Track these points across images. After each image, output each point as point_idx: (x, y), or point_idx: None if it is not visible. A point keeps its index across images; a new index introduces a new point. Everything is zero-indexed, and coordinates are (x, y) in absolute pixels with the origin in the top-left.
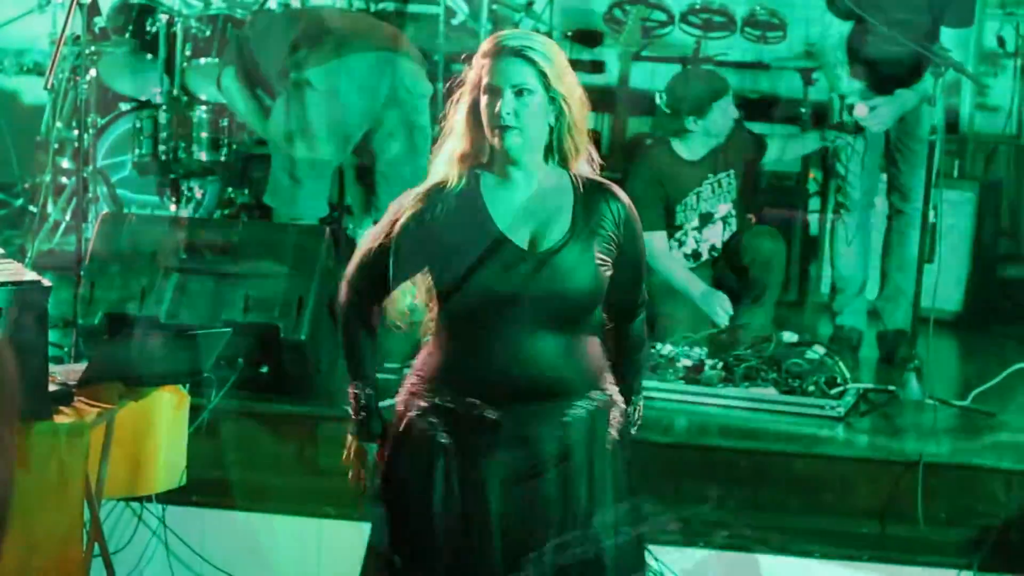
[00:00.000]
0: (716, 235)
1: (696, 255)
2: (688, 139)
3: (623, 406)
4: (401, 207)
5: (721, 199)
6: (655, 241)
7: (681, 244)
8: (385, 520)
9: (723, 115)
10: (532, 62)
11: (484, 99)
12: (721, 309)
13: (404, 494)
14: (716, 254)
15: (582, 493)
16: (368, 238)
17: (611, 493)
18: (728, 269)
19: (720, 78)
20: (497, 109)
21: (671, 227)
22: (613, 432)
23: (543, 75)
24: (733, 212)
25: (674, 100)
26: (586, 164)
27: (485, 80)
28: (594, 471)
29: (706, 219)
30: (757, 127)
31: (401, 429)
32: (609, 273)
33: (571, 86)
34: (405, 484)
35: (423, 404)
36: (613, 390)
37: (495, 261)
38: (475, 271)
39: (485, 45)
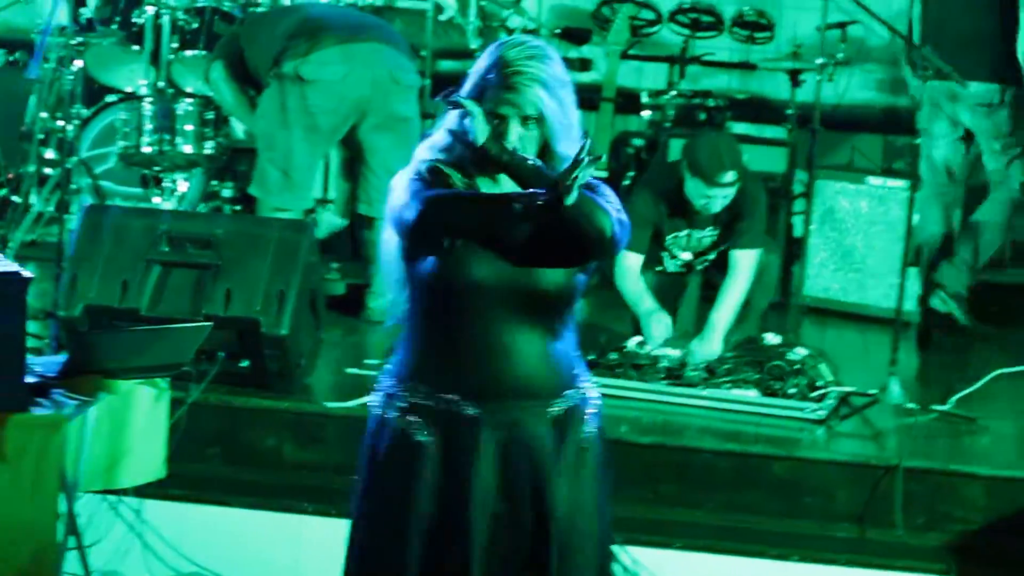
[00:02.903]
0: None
1: (688, 265)
2: (695, 196)
3: (598, 405)
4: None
5: (718, 243)
6: (627, 258)
7: (673, 257)
8: (366, 522)
9: (700, 196)
10: (541, 91)
11: (486, 118)
12: (658, 333)
13: (385, 496)
14: (707, 264)
15: (563, 492)
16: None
17: (589, 493)
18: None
19: (719, 167)
20: (503, 137)
21: (660, 246)
22: (590, 430)
23: (548, 100)
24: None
25: (691, 164)
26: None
27: (491, 105)
28: (573, 470)
29: (700, 255)
30: (743, 128)
31: (379, 432)
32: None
33: (568, 100)
34: (386, 486)
35: (401, 404)
36: (588, 388)
37: (472, 254)
38: (453, 263)
39: (494, 68)
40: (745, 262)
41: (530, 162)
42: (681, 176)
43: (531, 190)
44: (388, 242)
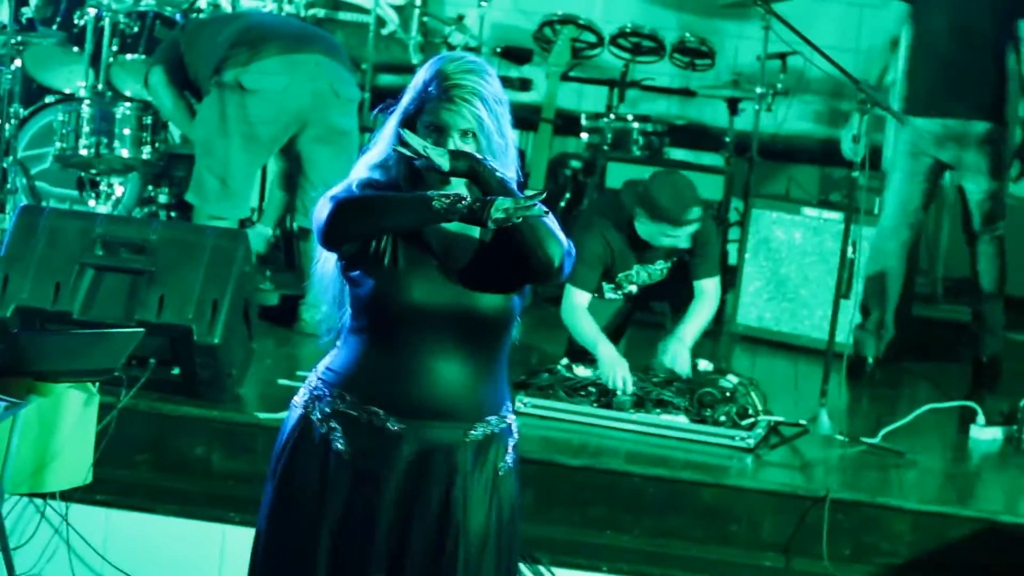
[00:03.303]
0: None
1: (628, 295)
2: (655, 236)
3: (516, 436)
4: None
5: (657, 278)
6: (576, 297)
7: (615, 291)
8: (275, 523)
9: (664, 236)
10: (480, 105)
11: (425, 132)
12: (621, 384)
13: (296, 500)
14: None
15: (475, 516)
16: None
17: (502, 520)
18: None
19: (683, 208)
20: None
21: (608, 280)
22: (507, 461)
23: (486, 116)
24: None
25: (652, 209)
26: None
27: (430, 118)
28: (487, 495)
29: (648, 288)
30: (681, 154)
31: (299, 432)
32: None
33: (505, 117)
34: (297, 490)
35: (325, 409)
36: (512, 419)
37: (414, 273)
38: (401, 285)
39: (434, 80)
40: (711, 289)
41: (498, 174)
42: (630, 215)
43: (456, 192)
44: (324, 258)
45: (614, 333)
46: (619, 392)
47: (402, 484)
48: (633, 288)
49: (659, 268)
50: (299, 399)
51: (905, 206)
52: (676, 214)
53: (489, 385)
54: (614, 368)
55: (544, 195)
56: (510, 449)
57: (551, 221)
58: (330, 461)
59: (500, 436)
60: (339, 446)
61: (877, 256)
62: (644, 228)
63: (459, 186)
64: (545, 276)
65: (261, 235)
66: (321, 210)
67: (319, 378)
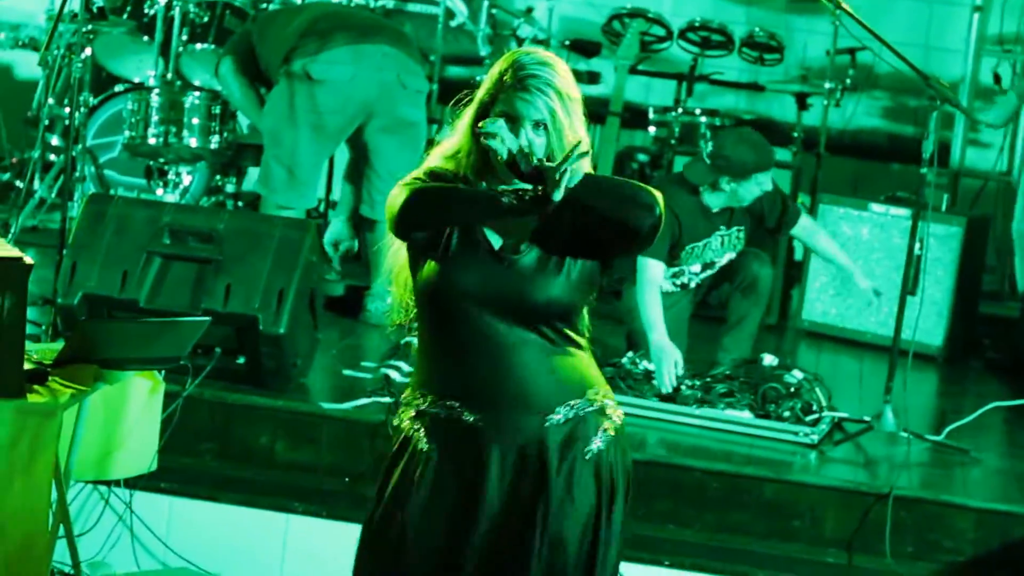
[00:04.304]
0: (710, 271)
1: (684, 286)
2: (718, 194)
3: (617, 420)
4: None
5: (727, 251)
6: (650, 268)
7: (675, 277)
8: (374, 530)
9: (758, 186)
10: (554, 97)
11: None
12: (668, 372)
13: (392, 504)
14: (700, 282)
15: (557, 504)
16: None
17: (586, 506)
18: (714, 292)
19: (769, 151)
20: (480, 131)
21: (671, 265)
22: (597, 444)
23: (559, 109)
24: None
25: (719, 155)
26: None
27: (504, 107)
28: (571, 483)
29: (707, 267)
30: None
31: (394, 440)
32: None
33: (577, 113)
34: (393, 494)
35: (411, 412)
36: (605, 400)
37: (477, 265)
38: (457, 273)
39: (509, 70)
40: (810, 223)
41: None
42: (697, 187)
43: (519, 186)
44: (395, 248)
45: (675, 337)
46: (663, 383)
47: (490, 475)
48: (694, 272)
49: (734, 234)
50: (397, 409)
51: None
52: (766, 156)
53: (563, 370)
54: (664, 357)
55: (582, 145)
56: (603, 430)
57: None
58: (419, 462)
59: (587, 419)
60: (423, 446)
61: None
62: (710, 193)
63: None
64: (644, 230)
65: (339, 227)
66: (395, 198)
67: (407, 384)
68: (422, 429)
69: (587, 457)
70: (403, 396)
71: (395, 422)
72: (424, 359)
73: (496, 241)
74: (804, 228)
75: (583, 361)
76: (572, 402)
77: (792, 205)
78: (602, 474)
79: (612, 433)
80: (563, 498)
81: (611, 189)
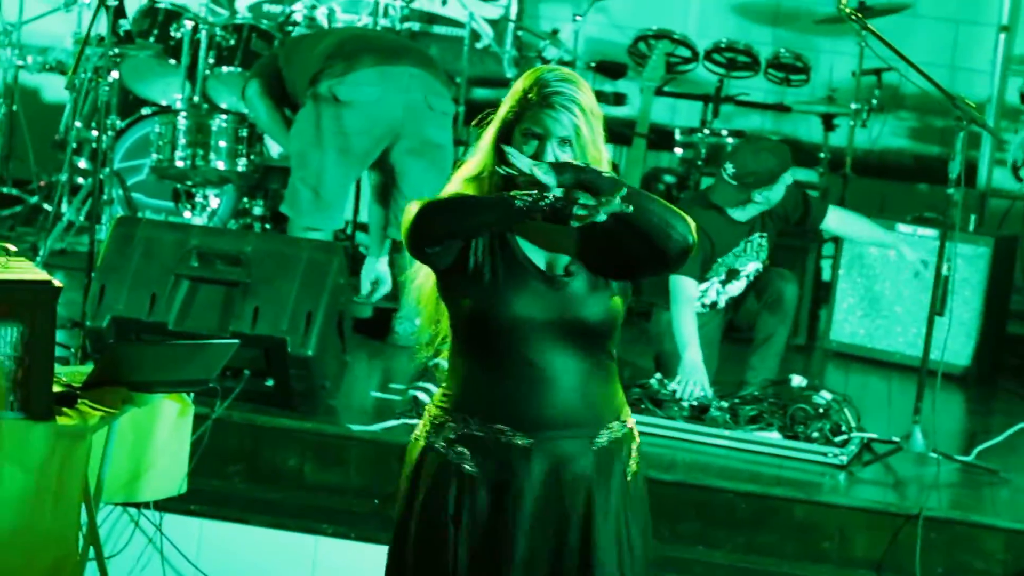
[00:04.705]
0: (738, 289)
1: (713, 305)
2: (751, 207)
3: (639, 440)
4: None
5: (752, 258)
6: (685, 286)
7: (702, 295)
8: (412, 552)
9: (784, 187)
10: (579, 114)
11: (523, 139)
12: (694, 387)
13: (432, 527)
14: (730, 301)
15: (608, 526)
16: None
17: (634, 527)
18: (741, 310)
19: (786, 149)
20: (539, 157)
21: (701, 280)
22: (632, 465)
23: (584, 125)
24: (760, 269)
25: (744, 173)
26: None
27: (530, 124)
28: (619, 503)
29: (733, 274)
30: None
31: (425, 465)
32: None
33: (599, 130)
34: (432, 517)
35: (450, 435)
36: (632, 423)
37: (518, 286)
38: (509, 298)
39: (533, 87)
40: (838, 214)
41: (605, 174)
42: (720, 203)
43: (537, 191)
44: (424, 275)
45: (705, 359)
46: (685, 400)
47: (538, 497)
48: (720, 283)
49: (756, 240)
50: (418, 432)
51: None
52: (786, 155)
53: (605, 390)
54: (692, 375)
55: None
56: (634, 452)
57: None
58: (464, 486)
59: (623, 440)
60: (469, 468)
61: None
62: (764, 199)
63: None
64: (670, 261)
65: (373, 268)
66: (408, 214)
67: (437, 407)
68: (467, 453)
69: (629, 478)
70: (432, 417)
71: (421, 442)
72: (464, 382)
73: (540, 262)
74: (833, 221)
75: (617, 382)
76: (611, 424)
77: (815, 201)
78: (638, 494)
79: (639, 455)
80: (613, 520)
81: (644, 217)
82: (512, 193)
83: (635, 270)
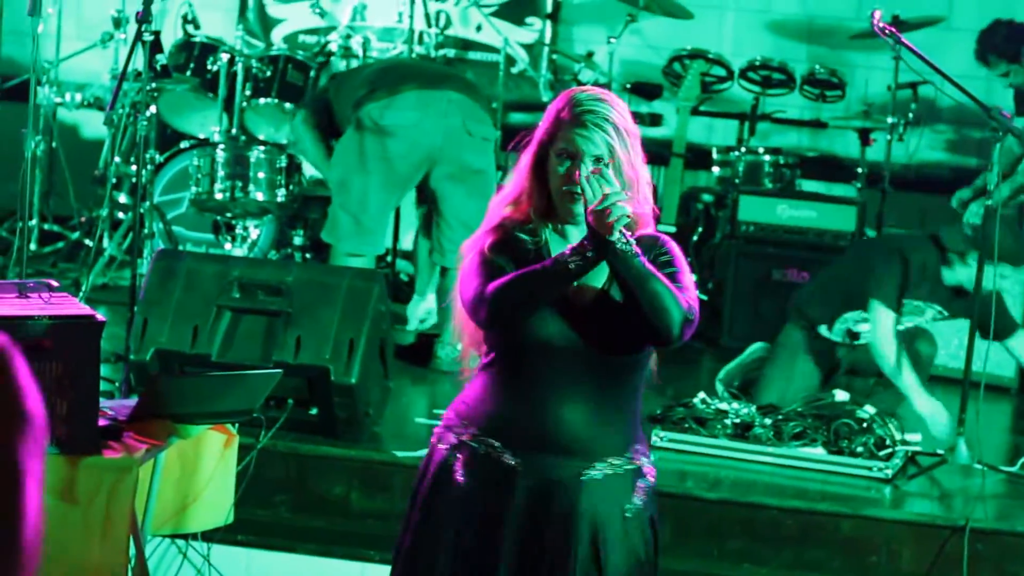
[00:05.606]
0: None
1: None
2: (963, 269)
3: (651, 480)
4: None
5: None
6: (884, 319)
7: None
8: (404, 554)
9: (1000, 276)
10: (612, 132)
11: (557, 160)
12: (946, 429)
13: (422, 530)
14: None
15: (589, 558)
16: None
17: (621, 564)
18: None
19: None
20: (575, 176)
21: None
22: (636, 502)
23: (617, 144)
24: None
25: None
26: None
27: (563, 144)
28: (602, 538)
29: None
30: (813, 186)
31: (430, 464)
32: None
33: (636, 149)
34: (424, 520)
35: (452, 440)
36: (643, 461)
37: (557, 314)
38: (537, 323)
39: (566, 107)
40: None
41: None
42: (946, 257)
43: (576, 244)
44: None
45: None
46: (941, 436)
47: (520, 519)
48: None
49: (935, 312)
50: (436, 431)
51: None
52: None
53: (613, 425)
54: (935, 416)
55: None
56: (639, 492)
57: (671, 265)
58: (452, 492)
59: (625, 477)
60: (459, 478)
61: None
62: (949, 270)
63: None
64: (662, 342)
65: (422, 307)
66: (476, 308)
67: (453, 410)
68: (460, 461)
69: (627, 515)
70: (447, 419)
71: (434, 440)
72: (477, 394)
73: (570, 290)
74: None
75: (632, 417)
76: (612, 459)
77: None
78: (642, 533)
79: (644, 496)
80: (588, 556)
81: (647, 296)
82: (565, 260)
83: (634, 335)
